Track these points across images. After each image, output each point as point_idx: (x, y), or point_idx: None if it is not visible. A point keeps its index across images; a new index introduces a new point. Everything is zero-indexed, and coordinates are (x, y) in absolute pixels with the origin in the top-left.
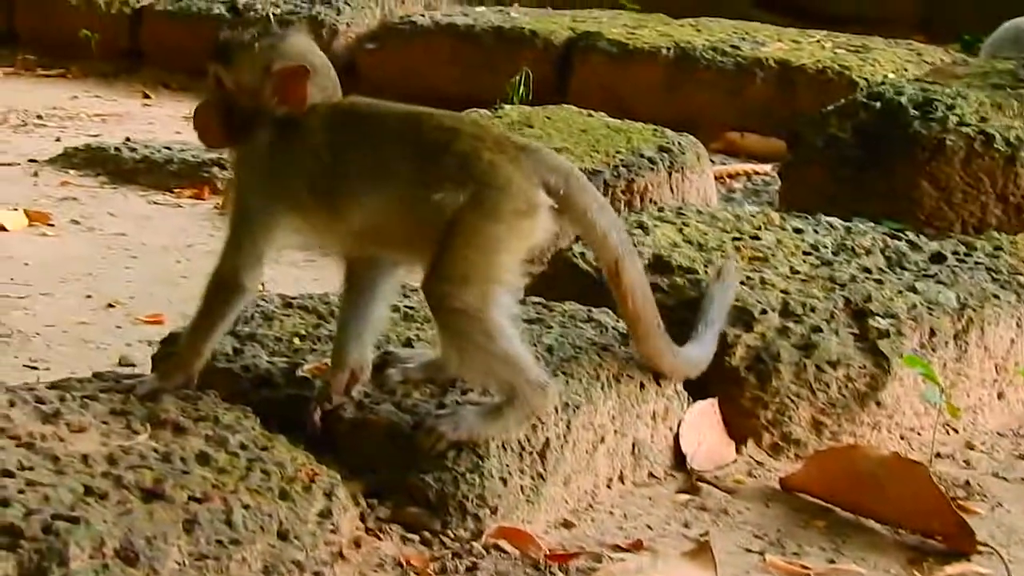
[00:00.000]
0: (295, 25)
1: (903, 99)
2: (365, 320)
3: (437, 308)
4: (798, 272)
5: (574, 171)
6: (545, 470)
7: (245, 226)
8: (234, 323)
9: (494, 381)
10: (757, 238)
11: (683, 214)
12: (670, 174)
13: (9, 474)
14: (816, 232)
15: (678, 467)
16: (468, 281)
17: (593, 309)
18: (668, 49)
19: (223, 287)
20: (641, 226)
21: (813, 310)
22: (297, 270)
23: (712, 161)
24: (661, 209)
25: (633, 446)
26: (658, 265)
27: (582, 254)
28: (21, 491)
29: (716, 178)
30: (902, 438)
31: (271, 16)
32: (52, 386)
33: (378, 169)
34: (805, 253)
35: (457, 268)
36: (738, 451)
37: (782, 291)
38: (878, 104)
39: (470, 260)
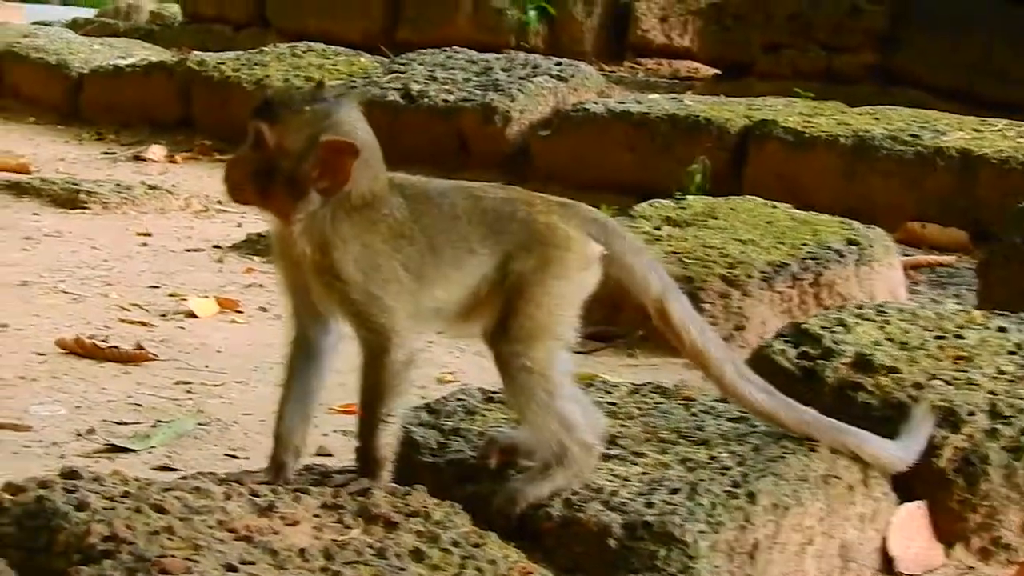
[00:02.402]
0: (350, 96)
1: None
2: None
3: (505, 367)
4: (1004, 372)
5: (609, 220)
6: (755, 571)
7: (385, 313)
8: (437, 417)
9: (548, 438)
10: (960, 337)
11: (883, 312)
12: (858, 267)
13: (232, 568)
14: (1020, 331)
15: (887, 570)
16: (535, 340)
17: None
18: (846, 138)
19: (397, 371)
20: (842, 324)
21: (1022, 411)
22: (483, 359)
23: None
24: (861, 306)
25: (841, 548)
26: (861, 364)
27: (782, 351)
28: None
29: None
30: None
31: (324, 81)
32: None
33: (458, 244)
34: (1010, 352)
35: (524, 328)
36: (947, 555)
37: (989, 392)
38: None
39: (537, 319)
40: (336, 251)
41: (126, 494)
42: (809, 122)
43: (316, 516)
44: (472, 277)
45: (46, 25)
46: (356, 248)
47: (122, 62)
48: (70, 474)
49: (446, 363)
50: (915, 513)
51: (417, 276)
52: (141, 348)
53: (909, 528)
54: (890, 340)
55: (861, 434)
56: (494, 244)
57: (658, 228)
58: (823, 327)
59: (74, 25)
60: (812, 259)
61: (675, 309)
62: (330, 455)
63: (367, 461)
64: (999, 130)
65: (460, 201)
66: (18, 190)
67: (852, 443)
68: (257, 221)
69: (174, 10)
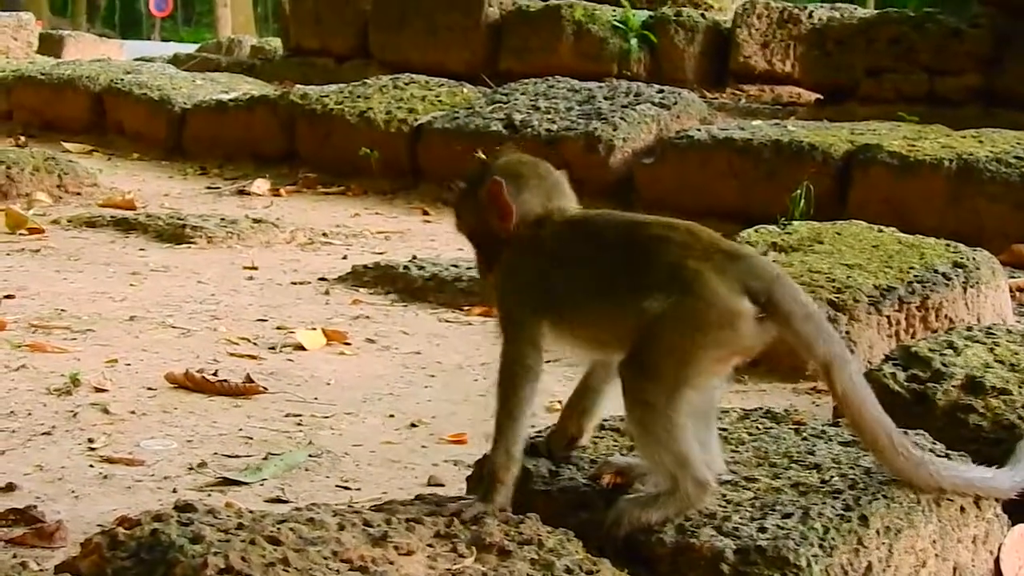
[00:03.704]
0: (507, 147)
1: None
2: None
3: (627, 395)
4: None
5: (781, 277)
6: None
7: (513, 326)
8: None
9: (661, 471)
10: None
11: (993, 334)
12: (965, 290)
13: None
14: None
15: None
16: (660, 380)
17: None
18: (950, 161)
19: (510, 376)
20: (951, 346)
21: None
22: None
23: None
24: (970, 328)
25: (954, 571)
26: (971, 386)
27: (893, 375)
28: None
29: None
30: None
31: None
32: (377, 508)
33: (597, 280)
34: None
35: (651, 366)
36: None
37: None
38: None
39: (664, 363)
40: (497, 269)
41: (240, 526)
42: (913, 146)
43: (430, 546)
44: (606, 310)
45: (148, 61)
46: (508, 266)
47: (225, 96)
48: (184, 507)
49: (555, 392)
50: None
51: (556, 301)
52: (251, 381)
53: (1021, 549)
54: (1000, 362)
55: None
56: (636, 282)
57: (764, 254)
58: (932, 350)
59: (175, 60)
60: (919, 282)
61: (839, 380)
62: (442, 485)
63: (487, 481)
64: None
65: (611, 236)
66: (125, 226)
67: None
68: (363, 253)
69: (276, 44)
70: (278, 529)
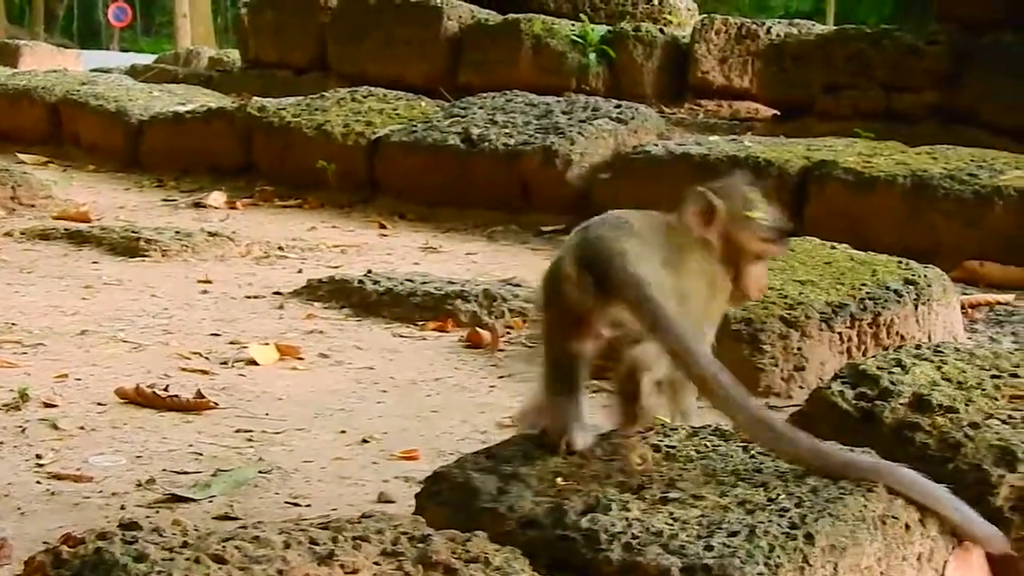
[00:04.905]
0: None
1: None
2: None
3: None
4: None
5: (624, 256)
6: None
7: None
8: (496, 462)
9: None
10: (1016, 376)
11: (940, 352)
12: (916, 307)
13: None
14: None
15: None
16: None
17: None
18: (904, 177)
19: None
20: (900, 364)
21: None
22: None
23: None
24: (919, 346)
25: None
26: (918, 404)
27: (840, 392)
28: None
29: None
30: None
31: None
32: (323, 526)
33: None
34: None
35: None
36: None
37: None
38: None
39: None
40: None
41: (185, 544)
42: (868, 162)
43: (376, 564)
44: None
45: (105, 72)
46: None
47: (182, 108)
48: (129, 525)
49: (509, 407)
50: (972, 552)
51: None
52: (202, 396)
53: (966, 567)
54: (947, 380)
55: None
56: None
57: None
58: (880, 368)
59: (133, 72)
60: (870, 299)
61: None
62: (392, 501)
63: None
64: None
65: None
66: (79, 239)
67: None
68: (319, 267)
69: (234, 56)
70: (223, 547)
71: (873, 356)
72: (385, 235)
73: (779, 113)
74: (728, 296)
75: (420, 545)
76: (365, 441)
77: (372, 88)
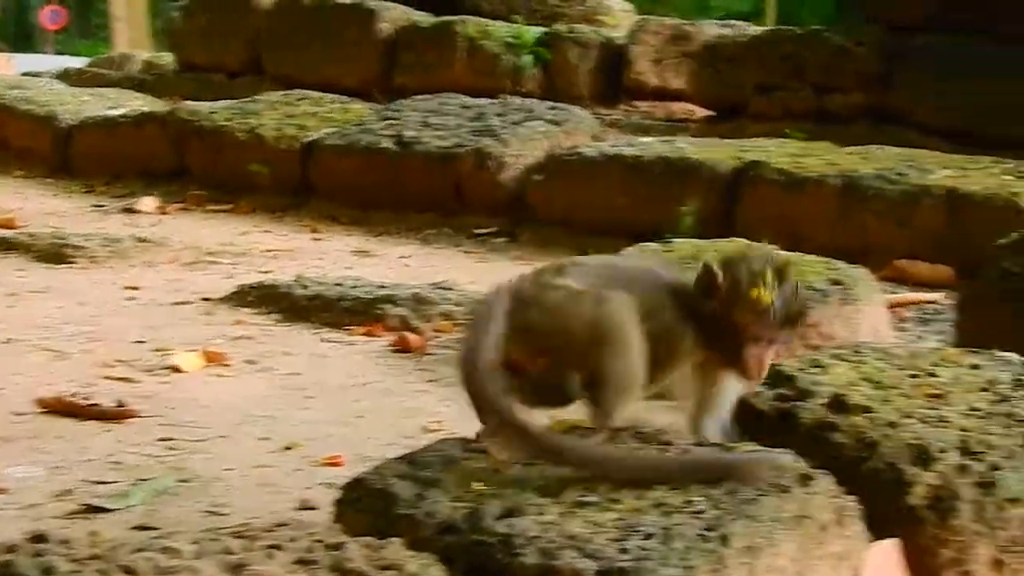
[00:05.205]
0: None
1: None
2: None
3: None
4: (976, 409)
5: (538, 300)
6: None
7: None
8: (416, 468)
9: None
10: (934, 375)
11: (860, 352)
12: (842, 307)
13: None
14: (993, 368)
15: None
16: None
17: (772, 450)
18: (835, 177)
19: None
20: (818, 365)
21: (992, 447)
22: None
23: (882, 290)
24: (838, 347)
25: None
26: (835, 404)
27: (759, 394)
28: None
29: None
30: None
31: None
32: (237, 535)
33: None
34: (983, 389)
35: None
36: None
37: (960, 429)
38: None
39: None
40: None
41: (94, 556)
42: (799, 163)
43: (290, 573)
44: None
45: (36, 75)
46: None
47: (113, 112)
48: (37, 537)
49: (436, 412)
50: (888, 551)
51: None
52: (123, 405)
53: (882, 566)
54: (865, 380)
55: None
56: None
57: None
58: (799, 369)
59: (65, 75)
60: None
61: None
62: (314, 508)
63: None
64: (984, 167)
65: None
66: (4, 245)
67: None
68: (249, 272)
69: (168, 59)
70: (133, 559)
71: (792, 357)
72: (318, 239)
73: (714, 114)
74: (695, 366)
75: (334, 552)
76: (289, 448)
77: (306, 91)
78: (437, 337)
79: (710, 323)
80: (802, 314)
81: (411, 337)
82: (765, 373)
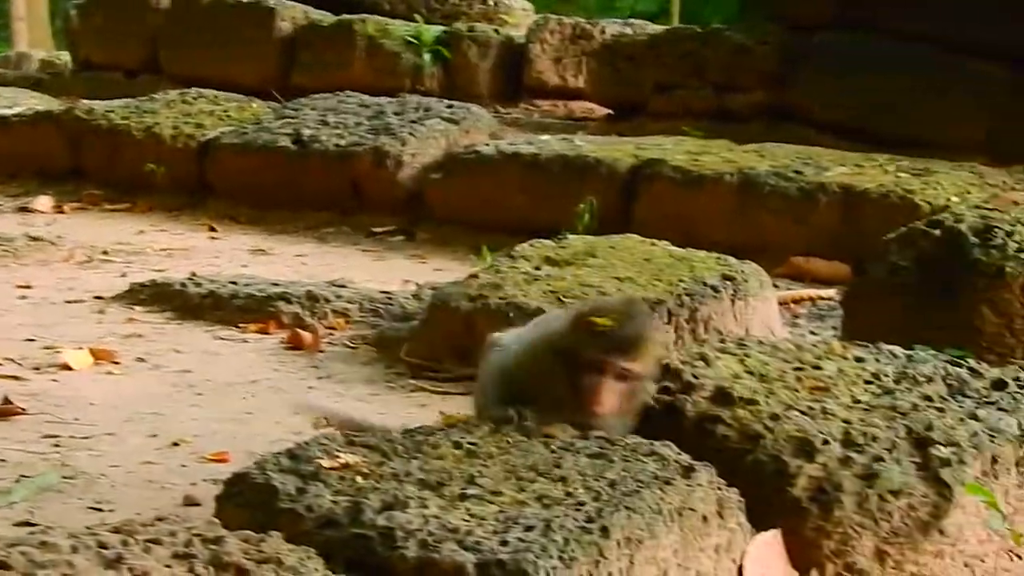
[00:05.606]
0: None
1: (963, 226)
2: None
3: None
4: (860, 402)
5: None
6: None
7: None
8: (297, 462)
9: None
10: (818, 368)
11: (745, 345)
12: (733, 302)
13: None
14: (877, 361)
15: None
16: None
17: (655, 443)
18: (731, 175)
19: None
20: (703, 358)
21: (875, 439)
22: (364, 404)
23: (776, 286)
24: (723, 340)
25: None
26: (720, 397)
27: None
28: None
29: (780, 304)
30: (966, 565)
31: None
32: (115, 530)
33: None
34: (867, 382)
35: None
36: None
37: (844, 421)
38: (938, 232)
39: None
40: None
41: None
42: (696, 160)
43: (167, 567)
44: None
45: None
46: None
47: (8, 112)
48: None
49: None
50: (770, 542)
51: None
52: (9, 402)
53: (764, 557)
54: (750, 373)
55: None
56: None
57: (537, 268)
58: (684, 362)
59: None
60: (688, 295)
61: None
62: (198, 504)
63: None
64: (880, 165)
65: None
66: None
67: None
68: (143, 271)
69: (66, 58)
70: (8, 553)
71: (677, 351)
72: (215, 238)
73: (613, 113)
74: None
75: (213, 547)
76: (176, 444)
77: (202, 90)
78: (331, 334)
79: (570, 358)
80: (646, 342)
81: (304, 334)
82: (609, 408)
